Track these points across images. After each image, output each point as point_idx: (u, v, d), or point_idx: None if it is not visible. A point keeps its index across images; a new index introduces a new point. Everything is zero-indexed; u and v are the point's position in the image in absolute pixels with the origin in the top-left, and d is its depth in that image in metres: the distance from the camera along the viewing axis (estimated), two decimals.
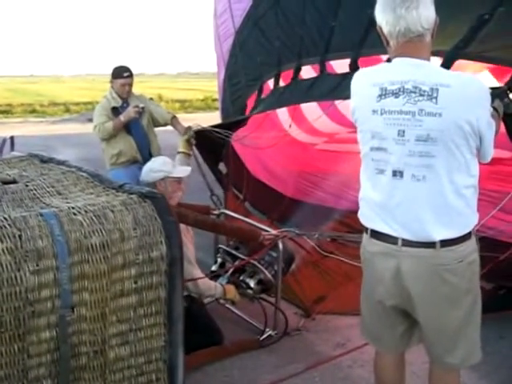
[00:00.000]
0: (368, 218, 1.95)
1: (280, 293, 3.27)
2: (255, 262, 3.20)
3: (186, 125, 4.28)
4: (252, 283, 3.25)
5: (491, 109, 1.87)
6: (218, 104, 5.95)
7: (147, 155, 4.31)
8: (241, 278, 3.28)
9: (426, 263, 1.83)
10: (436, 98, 1.71)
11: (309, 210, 5.45)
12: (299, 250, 3.62)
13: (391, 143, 1.80)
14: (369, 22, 2.88)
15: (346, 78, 3.14)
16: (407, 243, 1.83)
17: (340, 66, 3.52)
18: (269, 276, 3.25)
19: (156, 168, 3.15)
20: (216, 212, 3.59)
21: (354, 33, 3.28)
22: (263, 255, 3.30)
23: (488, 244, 3.76)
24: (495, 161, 4.76)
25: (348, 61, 3.27)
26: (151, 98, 4.77)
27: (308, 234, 3.51)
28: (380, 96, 1.80)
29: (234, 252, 3.39)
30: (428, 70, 1.78)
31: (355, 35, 3.25)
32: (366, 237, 1.98)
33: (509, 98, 2.34)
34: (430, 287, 1.85)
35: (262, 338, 3.20)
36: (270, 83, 4.16)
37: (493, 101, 1.90)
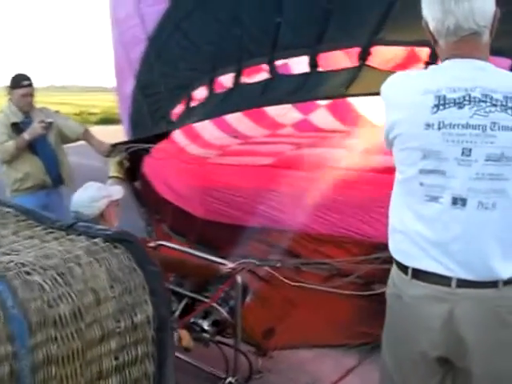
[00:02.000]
0: (409, 254, 1.61)
1: (240, 332, 2.85)
2: (206, 300, 2.76)
3: None
4: (206, 325, 2.80)
5: None
6: (124, 117, 5.37)
7: (57, 178, 3.71)
8: (191, 320, 2.81)
9: (486, 305, 1.53)
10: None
11: (225, 229, 5.10)
12: (252, 282, 3.22)
13: (452, 164, 1.48)
14: (325, 13, 2.60)
15: (309, 77, 2.81)
16: (464, 284, 1.52)
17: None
18: (225, 315, 2.81)
19: (98, 196, 2.62)
20: (152, 244, 3.10)
21: (308, 27, 2.94)
22: (213, 290, 2.86)
23: None
24: (390, 169, 4.78)
25: (304, 59, 2.91)
26: (57, 111, 4.12)
27: (270, 264, 3.13)
28: (437, 106, 1.47)
29: (178, 290, 2.91)
30: (497, 74, 1.49)
31: (309, 30, 2.91)
32: (402, 277, 1.64)
33: None
34: (490, 332, 1.55)
35: None
36: (201, 91, 3.72)
37: None
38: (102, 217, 2.61)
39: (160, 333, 1.53)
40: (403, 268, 1.63)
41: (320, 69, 2.81)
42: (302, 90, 2.82)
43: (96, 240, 1.59)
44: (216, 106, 3.41)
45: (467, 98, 1.45)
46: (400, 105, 1.57)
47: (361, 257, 3.54)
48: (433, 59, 2.36)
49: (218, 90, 3.46)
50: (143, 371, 1.52)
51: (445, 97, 1.47)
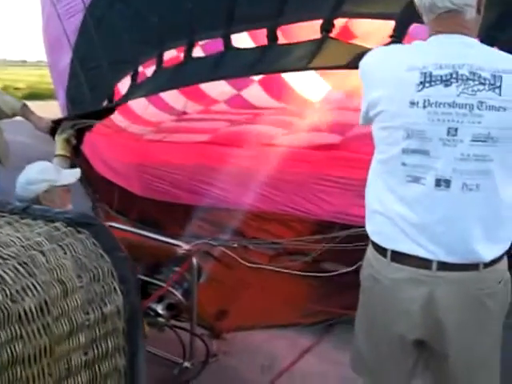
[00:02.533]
0: (388, 237, 1.56)
1: (196, 315, 2.75)
2: (162, 284, 2.64)
3: None
4: (160, 309, 2.69)
5: None
6: (59, 92, 5.06)
7: None
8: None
9: (466, 288, 1.51)
10: (500, 87, 1.38)
11: (165, 207, 4.99)
12: (204, 262, 3.12)
13: (437, 144, 1.43)
14: None
15: (267, 50, 2.70)
16: (444, 267, 1.49)
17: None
18: (180, 298, 2.71)
19: (35, 178, 2.42)
20: None
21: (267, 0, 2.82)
22: (167, 273, 2.75)
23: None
24: (329, 147, 4.81)
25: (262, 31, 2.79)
26: None
27: (226, 244, 3.03)
28: (422, 83, 1.41)
29: None
30: (485, 51, 1.45)
31: (269, 2, 2.79)
32: (380, 260, 1.60)
33: None
34: (467, 315, 1.54)
35: (177, 373, 2.67)
36: (148, 65, 3.51)
37: None
38: (38, 201, 2.41)
39: (131, 323, 1.43)
40: (381, 250, 1.59)
41: (280, 41, 2.69)
42: (260, 64, 2.70)
43: (56, 224, 1.46)
44: (165, 81, 3.22)
45: (454, 76, 1.40)
46: (382, 81, 1.50)
47: (317, 236, 3.50)
48: (398, 33, 2.31)
49: (167, 65, 3.28)
50: (114, 365, 1.41)
51: (431, 74, 1.41)
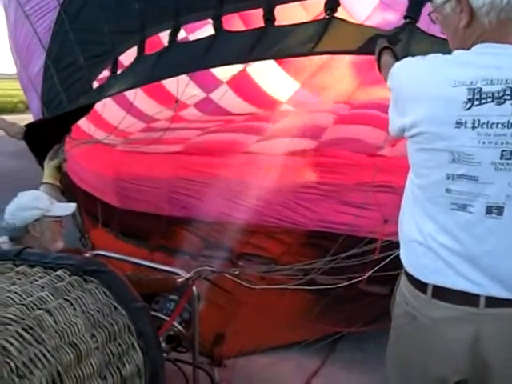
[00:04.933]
0: (429, 269, 1.39)
1: (198, 346, 2.56)
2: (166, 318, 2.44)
3: None
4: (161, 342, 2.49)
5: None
6: (33, 100, 4.76)
7: None
8: None
9: None
10: None
11: (146, 219, 4.82)
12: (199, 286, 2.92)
13: (488, 169, 1.27)
14: None
15: (264, 33, 2.47)
16: (494, 302, 1.33)
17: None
18: (181, 329, 2.52)
19: (26, 205, 2.21)
20: (87, 255, 2.71)
21: None
22: (164, 302, 2.56)
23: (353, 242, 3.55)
24: (305, 152, 4.70)
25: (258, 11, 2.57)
26: None
27: (228, 271, 2.84)
28: (470, 101, 1.25)
29: None
30: None
31: None
32: (419, 296, 1.43)
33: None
34: None
35: None
36: (128, 54, 3.24)
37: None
38: (27, 231, 2.21)
39: (153, 383, 1.24)
40: (420, 285, 1.43)
41: (278, 23, 2.48)
42: (258, 48, 2.46)
43: (58, 272, 1.26)
44: (147, 70, 2.95)
45: (508, 92, 1.24)
46: (423, 98, 1.33)
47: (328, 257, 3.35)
48: (412, 13, 2.15)
49: (149, 52, 3.01)
50: None
51: (480, 90, 1.26)
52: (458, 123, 1.27)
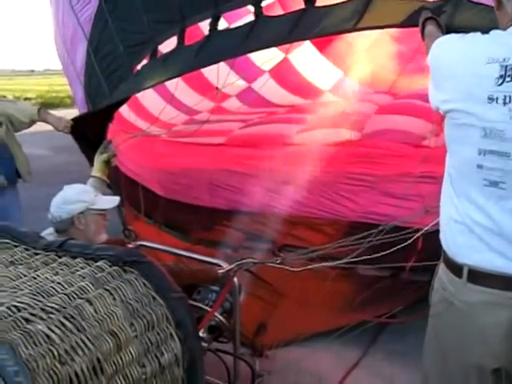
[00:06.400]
0: (464, 247, 1.39)
1: (239, 336, 2.58)
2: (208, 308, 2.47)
3: None
4: (201, 332, 2.52)
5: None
6: (78, 93, 4.83)
7: (12, 175, 3.29)
8: None
9: None
10: None
11: (189, 211, 4.85)
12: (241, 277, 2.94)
13: None
14: None
15: (304, 15, 2.45)
16: None
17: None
18: (222, 320, 2.54)
19: (72, 198, 2.27)
20: (131, 246, 2.76)
21: None
22: (205, 292, 2.59)
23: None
24: (349, 143, 4.63)
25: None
26: (4, 96, 3.62)
27: (270, 261, 2.85)
28: (502, 77, 1.25)
29: None
30: None
31: None
32: (454, 280, 1.42)
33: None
34: None
35: None
36: (168, 44, 3.27)
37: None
38: (72, 224, 2.27)
39: (191, 373, 1.26)
40: (455, 269, 1.42)
41: (318, 3, 2.47)
42: (299, 29, 2.45)
43: (99, 263, 1.30)
44: (189, 60, 2.96)
45: None
46: (457, 75, 1.35)
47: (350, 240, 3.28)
48: None
49: (190, 42, 3.02)
50: None
51: None
52: (489, 99, 1.28)
